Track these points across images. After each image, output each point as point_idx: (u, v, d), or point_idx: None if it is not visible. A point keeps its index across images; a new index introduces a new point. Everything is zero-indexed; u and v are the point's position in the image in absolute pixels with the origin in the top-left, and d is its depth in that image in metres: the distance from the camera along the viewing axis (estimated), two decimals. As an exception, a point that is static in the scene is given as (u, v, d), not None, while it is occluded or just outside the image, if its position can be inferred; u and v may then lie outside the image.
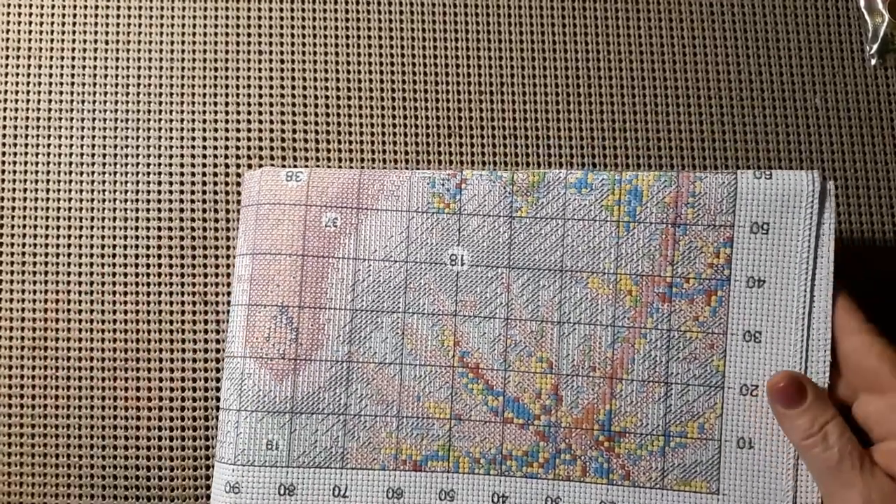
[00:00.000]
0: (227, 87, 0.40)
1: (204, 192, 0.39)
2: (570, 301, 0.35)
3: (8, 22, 0.40)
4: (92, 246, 0.38)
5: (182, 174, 0.39)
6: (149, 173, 0.39)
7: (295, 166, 0.39)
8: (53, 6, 0.40)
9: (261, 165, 0.39)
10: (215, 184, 0.39)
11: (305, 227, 0.35)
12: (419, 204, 0.35)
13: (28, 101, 0.39)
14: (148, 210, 0.39)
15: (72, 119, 0.39)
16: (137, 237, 0.38)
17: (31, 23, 0.40)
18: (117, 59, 0.40)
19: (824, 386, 0.33)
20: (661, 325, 0.35)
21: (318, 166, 0.39)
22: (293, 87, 0.40)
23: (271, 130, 0.40)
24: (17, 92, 0.39)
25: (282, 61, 0.40)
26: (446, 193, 0.35)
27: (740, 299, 0.34)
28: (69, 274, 0.38)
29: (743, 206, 0.34)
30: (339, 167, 0.39)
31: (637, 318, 0.35)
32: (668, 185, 0.35)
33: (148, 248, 0.38)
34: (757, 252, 0.34)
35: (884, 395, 0.32)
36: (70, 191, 0.39)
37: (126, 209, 0.39)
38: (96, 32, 0.40)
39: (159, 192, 0.39)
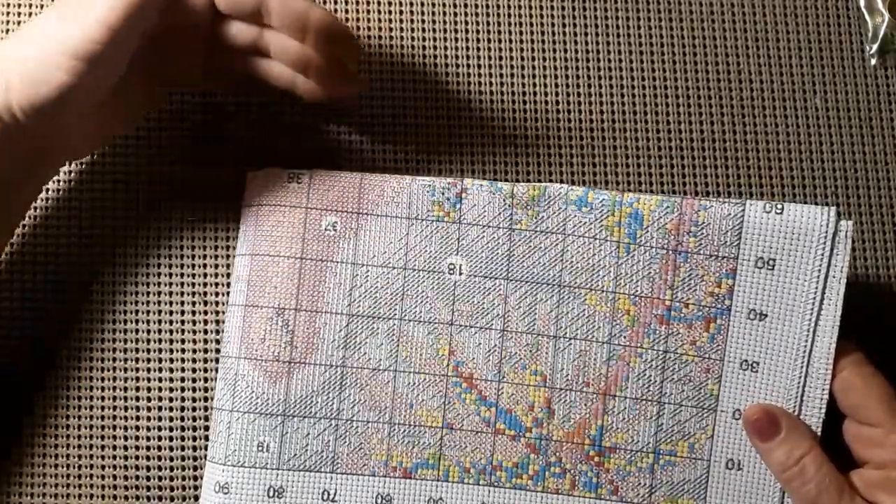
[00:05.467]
0: (226, 86, 0.39)
1: (204, 193, 0.38)
2: (567, 316, 0.34)
3: (8, 22, 0.39)
4: (92, 246, 0.38)
5: (182, 174, 0.39)
6: (149, 173, 0.38)
7: (295, 167, 0.39)
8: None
9: (260, 166, 0.39)
10: (215, 184, 0.39)
11: (305, 230, 0.34)
12: (419, 211, 0.34)
13: (28, 100, 0.39)
14: (148, 210, 0.38)
15: (72, 119, 0.39)
16: (137, 237, 0.38)
17: (30, 22, 0.39)
18: (117, 58, 0.39)
19: (819, 423, 0.33)
20: (657, 345, 0.34)
21: (318, 167, 0.39)
22: (293, 87, 0.39)
23: (271, 131, 0.39)
24: (17, 92, 0.39)
25: (282, 61, 0.39)
26: (446, 202, 0.34)
27: (740, 329, 0.33)
28: (69, 274, 0.37)
29: (749, 240, 0.33)
30: (339, 168, 0.39)
31: (634, 337, 0.34)
32: (669, 211, 0.34)
33: (148, 248, 0.38)
34: (760, 287, 0.33)
35: (871, 429, 0.31)
36: (70, 190, 0.38)
37: (126, 209, 0.38)
38: (96, 32, 0.39)
39: (159, 192, 0.38)
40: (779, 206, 0.33)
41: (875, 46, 0.40)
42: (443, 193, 0.34)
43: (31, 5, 0.39)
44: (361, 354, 0.34)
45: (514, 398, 0.34)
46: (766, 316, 0.33)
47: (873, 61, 0.40)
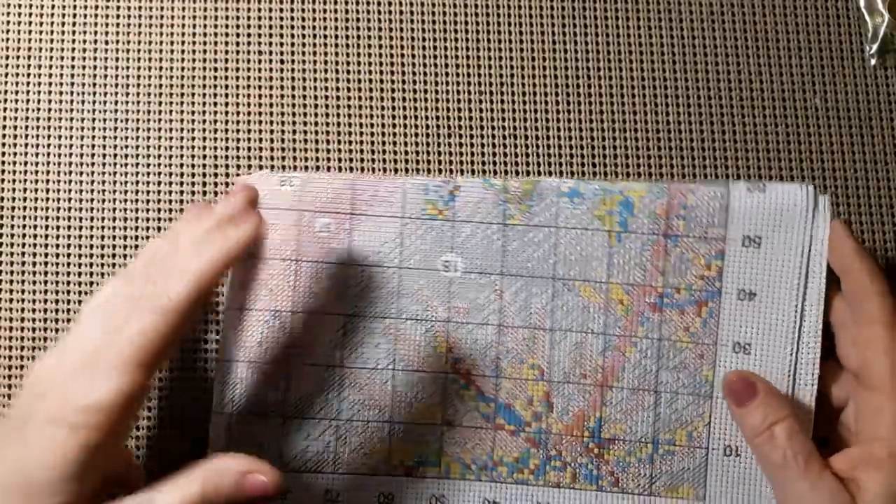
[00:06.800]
0: (226, 87, 0.38)
1: (204, 193, 0.38)
2: (562, 309, 0.34)
3: (8, 22, 0.39)
4: (92, 246, 0.37)
5: (182, 174, 0.38)
6: (149, 173, 0.38)
7: (295, 167, 0.38)
8: (53, 6, 0.39)
9: (261, 166, 0.38)
10: (215, 184, 0.38)
11: (299, 232, 0.34)
12: (413, 210, 0.34)
13: (28, 101, 0.38)
14: (148, 210, 0.38)
15: (72, 119, 0.38)
16: (137, 237, 0.37)
17: (31, 23, 0.38)
18: (117, 59, 0.39)
19: (812, 400, 0.33)
20: (651, 334, 0.34)
21: (317, 167, 0.39)
22: (293, 88, 0.39)
23: (271, 131, 0.39)
24: (17, 92, 0.38)
25: (282, 61, 0.39)
26: (440, 200, 0.34)
27: (731, 311, 0.34)
28: (69, 274, 0.37)
29: (735, 220, 0.34)
30: (339, 168, 0.39)
31: (628, 326, 0.34)
32: (659, 196, 0.34)
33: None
34: (749, 265, 0.34)
35: (872, 393, 0.31)
36: (70, 191, 0.37)
37: (126, 209, 0.38)
38: (96, 32, 0.39)
39: (159, 192, 0.38)
40: (761, 185, 0.34)
41: (875, 46, 0.40)
42: (436, 192, 0.35)
43: (31, 6, 0.39)
44: (359, 354, 0.34)
45: (513, 393, 0.34)
46: (755, 295, 0.34)
47: (873, 61, 0.40)
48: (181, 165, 0.38)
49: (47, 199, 0.37)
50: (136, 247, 0.37)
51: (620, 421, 0.34)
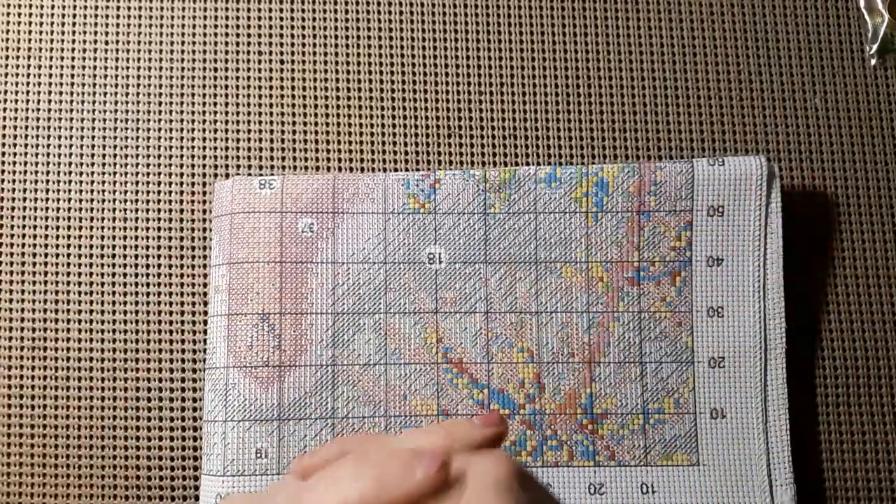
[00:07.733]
0: (226, 87, 0.38)
1: (204, 193, 0.38)
2: (546, 291, 0.35)
3: (8, 22, 0.39)
4: (92, 246, 0.37)
5: (182, 174, 0.38)
6: (149, 173, 0.38)
7: (295, 167, 0.38)
8: (53, 6, 0.39)
9: (261, 166, 0.38)
10: (215, 184, 0.38)
11: (282, 234, 0.34)
12: (395, 205, 0.35)
13: (28, 101, 0.38)
14: (148, 210, 0.38)
15: (72, 119, 0.38)
16: (137, 237, 0.37)
17: (31, 23, 0.39)
18: (117, 59, 0.39)
19: (782, 352, 0.34)
20: (632, 307, 0.35)
21: (317, 167, 0.38)
22: (293, 88, 0.39)
23: (271, 131, 0.39)
24: (17, 92, 0.38)
25: (282, 61, 0.39)
26: (421, 194, 0.35)
27: (702, 278, 0.35)
28: (69, 274, 0.37)
29: (700, 192, 0.35)
30: (339, 168, 0.39)
31: (609, 302, 0.35)
32: (631, 175, 0.35)
33: (147, 248, 0.37)
34: (714, 233, 0.35)
35: None
36: (70, 191, 0.38)
37: (126, 209, 0.38)
38: (96, 32, 0.39)
39: (159, 192, 0.38)
40: (721, 160, 0.36)
41: (875, 46, 0.39)
42: (417, 185, 0.35)
43: (31, 6, 0.39)
44: (350, 351, 0.34)
45: (505, 377, 0.35)
46: (722, 260, 0.35)
47: (873, 61, 0.40)
48: (181, 165, 0.38)
49: (47, 199, 0.37)
50: (136, 247, 0.37)
51: (610, 395, 0.35)
